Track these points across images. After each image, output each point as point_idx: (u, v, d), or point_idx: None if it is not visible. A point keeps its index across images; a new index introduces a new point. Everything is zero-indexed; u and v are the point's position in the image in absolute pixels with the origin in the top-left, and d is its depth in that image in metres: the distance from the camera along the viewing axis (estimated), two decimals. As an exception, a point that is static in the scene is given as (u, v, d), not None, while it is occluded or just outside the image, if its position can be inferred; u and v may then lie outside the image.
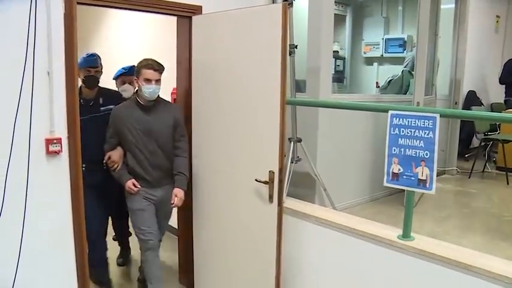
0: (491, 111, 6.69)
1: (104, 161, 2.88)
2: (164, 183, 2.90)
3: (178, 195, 2.84)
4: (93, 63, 3.10)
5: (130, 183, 2.81)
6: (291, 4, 3.14)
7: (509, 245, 3.23)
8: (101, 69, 3.22)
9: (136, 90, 2.83)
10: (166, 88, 3.89)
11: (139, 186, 2.82)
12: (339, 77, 6.39)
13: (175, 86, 3.33)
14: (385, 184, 2.21)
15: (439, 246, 2.07)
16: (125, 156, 2.87)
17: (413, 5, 4.85)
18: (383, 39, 6.36)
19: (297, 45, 3.37)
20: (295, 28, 3.38)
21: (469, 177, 5.39)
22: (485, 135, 6.07)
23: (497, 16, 7.45)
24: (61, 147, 2.44)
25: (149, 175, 2.83)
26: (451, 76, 5.68)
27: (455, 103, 5.71)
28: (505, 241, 3.32)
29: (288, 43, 2.91)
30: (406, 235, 2.16)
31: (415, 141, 2.10)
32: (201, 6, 2.94)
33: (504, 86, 6.83)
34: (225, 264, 2.89)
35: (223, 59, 2.72)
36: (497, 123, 6.05)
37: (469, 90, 6.72)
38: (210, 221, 2.95)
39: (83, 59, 3.08)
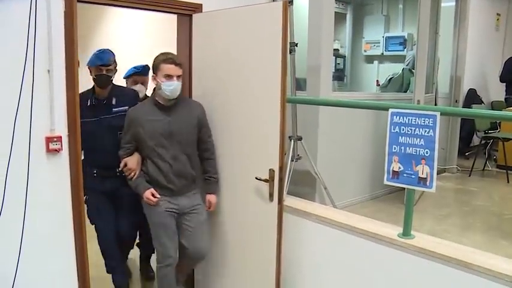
0: (492, 110, 6.70)
1: (120, 169, 2.61)
2: (188, 191, 2.63)
3: (212, 201, 2.68)
4: (104, 61, 2.80)
5: (148, 194, 2.52)
6: (291, 2, 3.14)
7: (509, 243, 3.24)
8: (115, 67, 2.92)
9: (154, 89, 2.58)
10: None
11: (158, 197, 2.53)
12: (339, 75, 6.39)
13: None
14: (386, 182, 2.21)
15: (439, 244, 2.08)
16: (143, 163, 2.61)
17: (414, 3, 4.84)
18: (383, 37, 6.35)
19: (297, 43, 3.37)
20: (295, 26, 3.37)
21: (470, 176, 5.39)
22: (485, 133, 6.07)
23: (498, 14, 7.44)
24: (61, 146, 2.43)
25: (172, 184, 2.55)
26: (452, 74, 5.68)
27: (456, 101, 5.71)
28: (505, 239, 3.33)
29: (289, 41, 2.91)
30: (406, 233, 2.16)
31: (415, 139, 2.10)
32: (201, 4, 2.94)
33: (504, 84, 6.83)
34: (225, 262, 2.89)
35: (224, 57, 2.71)
36: (498, 122, 6.05)
37: (470, 88, 6.72)
38: (210, 219, 2.96)
39: (94, 56, 2.82)
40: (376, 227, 2.27)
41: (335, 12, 3.96)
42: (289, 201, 2.66)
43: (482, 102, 6.86)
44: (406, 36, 6.11)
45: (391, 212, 3.91)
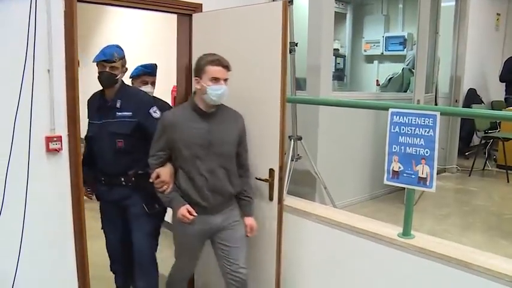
0: (492, 109, 6.70)
1: (151, 180, 2.33)
2: (223, 208, 2.35)
3: (254, 225, 2.40)
4: (107, 56, 2.48)
5: (184, 211, 2.24)
6: (291, 2, 3.14)
7: (509, 243, 3.24)
8: (123, 64, 2.58)
9: (194, 92, 2.30)
10: (167, 87, 3.90)
11: (195, 214, 2.25)
12: (339, 75, 6.39)
13: (175, 85, 3.32)
14: (386, 182, 2.21)
15: (439, 244, 2.08)
16: (175, 175, 2.33)
17: (414, 2, 4.85)
18: (383, 37, 6.35)
19: (297, 43, 3.37)
20: (295, 26, 3.38)
21: (469, 175, 5.39)
22: (485, 133, 6.08)
23: (498, 14, 7.44)
24: (61, 145, 2.43)
25: (206, 201, 2.27)
26: (452, 74, 5.68)
27: (456, 101, 5.72)
28: (505, 239, 3.33)
29: (289, 41, 2.91)
30: (406, 233, 2.16)
31: (415, 139, 2.10)
32: (201, 4, 2.94)
33: (504, 84, 6.83)
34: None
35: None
36: (498, 121, 6.05)
37: (469, 88, 6.72)
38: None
39: (99, 52, 2.54)
40: (376, 227, 2.27)
41: (335, 12, 3.96)
42: (289, 201, 2.66)
43: (482, 102, 6.86)
44: (406, 36, 6.11)
45: (391, 211, 3.91)
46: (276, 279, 2.53)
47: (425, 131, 2.07)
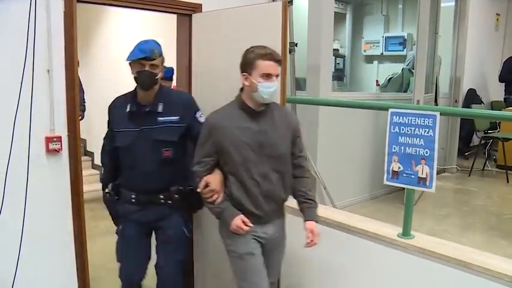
0: (491, 109, 6.70)
1: (199, 189, 2.06)
2: (276, 217, 2.14)
3: (315, 231, 2.07)
4: (147, 53, 2.13)
5: (239, 221, 1.99)
6: (291, 2, 3.14)
7: (508, 243, 3.24)
8: (162, 62, 2.27)
9: (241, 90, 2.06)
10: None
11: (250, 225, 2.01)
12: (339, 75, 6.39)
13: (175, 85, 3.33)
14: (385, 182, 2.21)
15: (438, 244, 2.08)
16: (224, 182, 2.08)
17: (413, 3, 4.85)
18: (383, 37, 6.36)
19: (297, 43, 3.37)
20: (295, 26, 3.38)
21: (469, 176, 5.39)
22: (485, 133, 6.08)
23: (497, 14, 7.44)
24: (61, 146, 2.43)
25: (260, 209, 2.04)
26: (451, 74, 5.69)
27: (455, 101, 5.72)
28: (504, 239, 3.33)
29: (288, 41, 2.91)
30: (406, 233, 2.16)
31: (415, 139, 2.10)
32: (201, 4, 2.94)
33: (504, 84, 6.83)
34: (225, 264, 2.89)
35: (224, 57, 2.71)
36: (497, 121, 6.05)
37: (469, 88, 6.72)
38: (210, 220, 2.95)
39: (135, 48, 2.18)
40: (375, 227, 2.27)
41: (335, 12, 3.96)
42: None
43: (482, 102, 6.87)
44: (405, 36, 6.12)
45: (390, 212, 3.91)
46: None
47: (425, 131, 2.07)
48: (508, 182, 5.05)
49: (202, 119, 2.27)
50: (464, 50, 5.62)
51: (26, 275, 2.35)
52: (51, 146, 2.39)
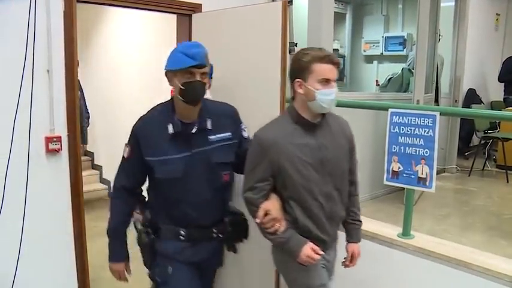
0: (491, 109, 6.70)
1: (257, 221, 1.76)
2: (335, 240, 1.94)
3: (356, 254, 1.93)
4: (199, 60, 1.74)
5: (309, 250, 1.73)
6: (290, 2, 3.15)
7: (508, 243, 3.24)
8: (211, 70, 1.96)
9: (292, 98, 1.81)
10: (166, 88, 3.89)
11: (321, 252, 1.75)
12: (338, 75, 6.39)
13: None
14: (385, 182, 2.22)
15: (438, 244, 2.08)
16: (283, 208, 1.79)
17: (413, 3, 4.85)
18: (383, 37, 6.35)
19: (297, 43, 3.37)
20: (295, 26, 3.38)
21: (469, 176, 5.39)
22: (485, 133, 6.08)
23: (497, 14, 7.44)
24: (61, 146, 2.43)
25: (325, 232, 1.81)
26: (451, 74, 5.69)
27: (455, 101, 5.72)
28: (504, 239, 3.33)
29: (288, 41, 2.91)
30: (406, 233, 2.16)
31: (415, 139, 2.10)
32: (200, 4, 2.94)
33: (503, 84, 6.83)
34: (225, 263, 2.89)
35: (223, 57, 2.72)
36: (497, 121, 6.05)
37: (469, 88, 6.72)
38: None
39: (180, 53, 1.76)
40: (375, 227, 2.28)
41: (334, 12, 3.96)
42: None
43: (482, 102, 6.87)
44: (405, 36, 6.11)
45: (390, 212, 3.90)
46: (275, 280, 2.53)
47: (425, 131, 2.07)
48: (507, 182, 5.05)
49: (246, 133, 2.00)
50: (464, 50, 5.62)
51: (26, 275, 2.35)
52: (51, 146, 2.39)
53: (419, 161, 2.09)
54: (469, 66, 6.15)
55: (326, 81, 1.69)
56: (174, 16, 3.01)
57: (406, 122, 2.12)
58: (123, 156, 1.89)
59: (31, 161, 2.31)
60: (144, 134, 1.83)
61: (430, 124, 2.06)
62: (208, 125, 1.84)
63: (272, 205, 1.76)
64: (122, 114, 4.93)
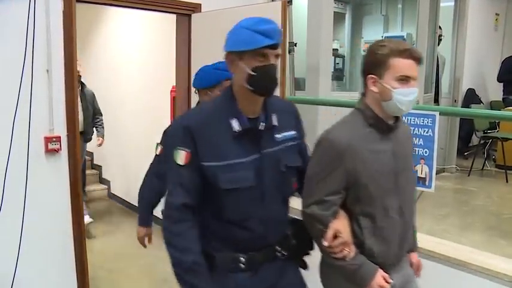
0: (491, 109, 6.71)
1: (325, 243, 1.46)
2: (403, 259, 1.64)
3: (419, 265, 1.73)
4: (276, 38, 1.38)
5: (380, 279, 1.48)
6: (290, 2, 3.15)
7: (508, 243, 3.24)
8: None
9: (363, 95, 1.58)
10: (165, 88, 3.90)
11: (391, 281, 1.51)
12: (338, 75, 6.39)
13: (174, 85, 3.32)
14: (385, 182, 2.20)
15: (438, 244, 2.08)
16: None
17: (413, 2, 4.86)
18: (382, 37, 6.34)
19: (296, 43, 3.38)
20: (294, 26, 3.38)
21: (469, 175, 5.39)
22: (484, 133, 6.08)
23: (497, 14, 7.45)
24: (60, 146, 2.43)
25: (394, 255, 1.55)
26: (451, 74, 5.69)
27: (455, 101, 5.72)
28: (504, 239, 3.33)
29: (288, 41, 2.91)
30: (405, 233, 2.16)
31: (414, 139, 2.10)
32: (200, 4, 2.94)
33: (502, 83, 6.84)
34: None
35: (223, 57, 2.72)
36: (497, 121, 6.06)
37: (468, 88, 6.73)
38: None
39: (246, 31, 1.37)
40: (375, 227, 2.27)
41: (334, 12, 3.96)
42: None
43: (481, 102, 6.87)
44: (405, 36, 6.11)
45: (390, 211, 3.91)
46: None
47: (425, 131, 2.07)
48: (507, 181, 5.05)
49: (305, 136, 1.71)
50: (464, 50, 5.62)
51: (26, 274, 2.35)
52: (50, 146, 2.39)
53: (419, 161, 2.09)
54: (469, 66, 6.15)
55: (405, 79, 1.44)
56: (174, 16, 3.02)
57: (406, 121, 2.12)
58: (177, 164, 1.42)
59: (30, 160, 2.31)
60: (202, 132, 1.41)
61: (429, 124, 2.06)
62: (274, 121, 1.50)
63: (343, 226, 1.48)
64: (121, 114, 4.93)
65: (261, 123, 1.46)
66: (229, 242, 1.48)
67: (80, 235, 2.58)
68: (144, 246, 2.30)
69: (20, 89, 2.25)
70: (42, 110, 2.36)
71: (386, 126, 1.51)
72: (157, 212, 2.53)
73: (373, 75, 1.49)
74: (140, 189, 2.23)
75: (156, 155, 2.16)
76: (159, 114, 4.16)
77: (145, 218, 2.24)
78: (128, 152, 4.93)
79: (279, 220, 1.54)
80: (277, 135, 1.51)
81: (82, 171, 4.28)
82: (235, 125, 1.42)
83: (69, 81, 2.44)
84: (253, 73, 1.38)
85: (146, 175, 2.22)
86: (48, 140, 2.39)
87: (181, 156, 1.42)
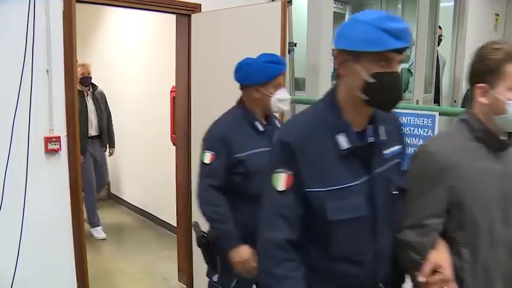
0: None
1: (422, 278, 1.21)
2: None
3: None
4: (406, 41, 1.14)
5: None
6: (290, 2, 3.15)
7: None
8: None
9: (467, 99, 1.38)
10: (165, 88, 3.90)
11: None
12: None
13: (174, 85, 3.33)
14: (385, 182, 2.20)
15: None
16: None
17: (413, 3, 4.85)
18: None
19: (296, 43, 3.37)
20: (294, 26, 3.38)
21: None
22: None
23: (497, 14, 7.45)
24: (60, 146, 2.43)
25: None
26: (450, 74, 5.70)
27: (454, 101, 5.73)
28: None
29: (288, 41, 2.91)
30: (405, 233, 2.16)
31: (414, 139, 2.10)
32: (200, 4, 2.94)
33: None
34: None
35: (223, 57, 2.72)
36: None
37: (468, 89, 6.73)
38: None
39: (370, 28, 1.10)
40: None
41: (334, 12, 3.96)
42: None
43: (481, 102, 6.89)
44: (405, 36, 6.13)
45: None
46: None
47: (424, 131, 2.07)
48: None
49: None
50: (464, 50, 5.63)
51: (25, 274, 2.35)
52: (50, 146, 2.39)
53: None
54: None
55: None
56: (174, 16, 3.02)
57: (405, 122, 2.12)
58: (276, 190, 1.19)
59: (30, 160, 2.31)
60: (305, 150, 1.17)
61: (429, 124, 2.06)
62: (383, 135, 1.25)
63: (443, 259, 1.23)
64: (121, 114, 4.93)
65: (369, 138, 1.22)
66: (331, 281, 1.24)
67: (80, 235, 2.58)
68: (253, 269, 1.73)
69: (20, 89, 2.25)
70: (42, 110, 2.36)
71: (498, 142, 1.27)
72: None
73: (482, 85, 1.25)
74: (207, 210, 1.84)
75: (205, 163, 1.87)
76: (159, 115, 4.16)
77: (237, 235, 1.80)
78: (127, 151, 4.93)
79: (389, 254, 1.29)
80: (386, 152, 1.26)
81: (101, 175, 4.22)
82: (343, 141, 1.18)
83: (69, 81, 2.44)
84: (372, 80, 1.13)
85: (204, 189, 1.86)
86: (48, 140, 2.39)
87: (281, 180, 1.19)
